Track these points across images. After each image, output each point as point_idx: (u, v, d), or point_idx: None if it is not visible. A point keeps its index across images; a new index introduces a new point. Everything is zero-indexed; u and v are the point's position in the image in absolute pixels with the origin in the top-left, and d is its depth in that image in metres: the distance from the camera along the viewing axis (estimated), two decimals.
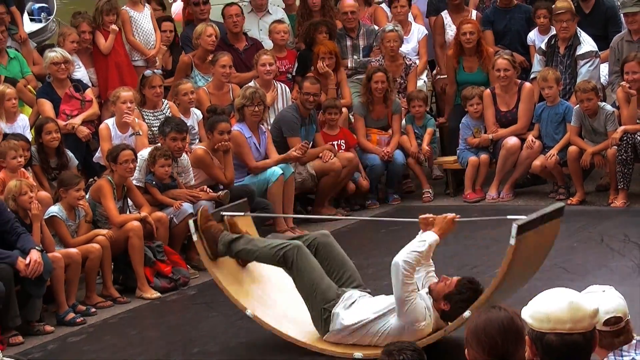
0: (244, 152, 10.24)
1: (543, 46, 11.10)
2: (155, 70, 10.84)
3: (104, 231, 9.03)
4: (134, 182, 9.34)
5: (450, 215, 7.21)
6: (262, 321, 7.46)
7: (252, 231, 7.93)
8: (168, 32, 11.84)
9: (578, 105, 10.32)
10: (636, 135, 9.94)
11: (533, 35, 11.35)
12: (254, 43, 11.84)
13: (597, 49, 10.89)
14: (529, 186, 11.01)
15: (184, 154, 9.80)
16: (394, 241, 9.89)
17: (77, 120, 10.27)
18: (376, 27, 11.83)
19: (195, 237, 7.61)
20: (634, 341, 4.55)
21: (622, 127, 10.05)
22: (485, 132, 10.88)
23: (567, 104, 10.57)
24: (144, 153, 9.52)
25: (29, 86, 10.60)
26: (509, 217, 7.10)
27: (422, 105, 11.27)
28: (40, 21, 18.96)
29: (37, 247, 8.35)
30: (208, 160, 9.95)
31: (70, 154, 9.79)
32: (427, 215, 7.45)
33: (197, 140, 10.46)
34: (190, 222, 7.66)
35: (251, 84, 10.83)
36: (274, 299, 7.84)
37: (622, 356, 4.50)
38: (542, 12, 11.16)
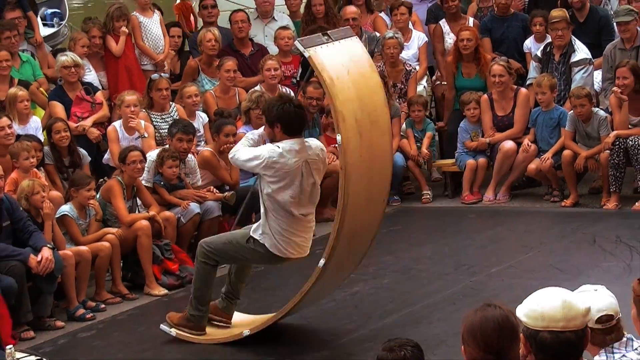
0: None
1: (539, 53, 11.11)
2: (162, 74, 10.89)
3: (114, 230, 9.07)
4: (143, 182, 9.37)
5: None
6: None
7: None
8: (176, 38, 11.87)
9: (572, 111, 10.34)
10: (628, 140, 9.97)
11: (529, 43, 11.35)
12: (259, 48, 11.84)
13: (590, 57, 10.90)
14: (525, 188, 11.01)
15: (191, 156, 9.84)
16: (394, 241, 10.00)
17: (88, 122, 10.29)
18: (377, 34, 11.84)
19: (174, 333, 7.80)
20: (624, 339, 4.58)
21: (615, 132, 10.07)
22: (482, 136, 10.89)
23: (561, 109, 10.59)
24: (152, 154, 9.54)
25: (41, 89, 10.60)
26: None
27: (422, 110, 11.29)
28: (52, 26, 18.95)
29: (48, 245, 8.37)
30: (214, 162, 9.98)
31: (83, 151, 9.80)
32: None
33: (203, 143, 10.50)
34: (163, 326, 7.91)
35: (257, 88, 10.83)
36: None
37: (613, 353, 4.54)
38: (538, 21, 11.16)
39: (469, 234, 10.09)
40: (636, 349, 4.57)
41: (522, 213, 10.47)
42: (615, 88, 10.15)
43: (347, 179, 7.34)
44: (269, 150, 7.37)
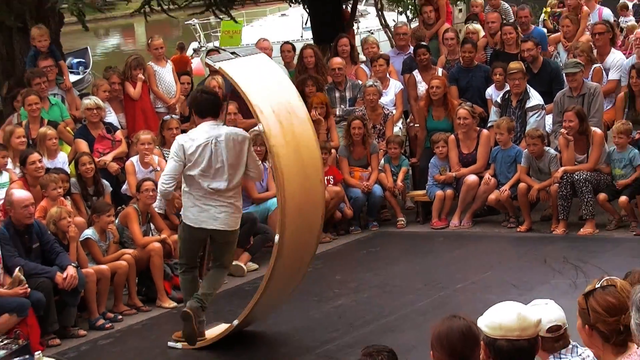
0: (249, 185, 10.16)
1: (499, 100, 11.11)
2: (173, 116, 10.90)
3: (130, 251, 9.05)
4: (156, 209, 9.36)
5: None
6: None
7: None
8: (186, 84, 11.85)
9: (527, 149, 10.36)
10: (574, 175, 9.97)
11: (490, 91, 11.34)
12: None
13: (543, 103, 10.91)
14: (485, 216, 10.98)
15: None
16: (372, 260, 10.01)
17: (109, 158, 10.28)
18: (360, 82, 11.87)
19: (180, 346, 7.82)
20: (570, 346, 4.61)
21: (563, 168, 10.08)
22: (449, 171, 10.88)
23: (517, 148, 10.59)
24: None
25: (67, 128, 10.56)
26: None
27: (398, 148, 11.30)
28: (78, 74, 19.04)
29: (72, 264, 8.36)
30: None
31: (105, 182, 9.77)
32: None
33: None
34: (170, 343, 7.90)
35: (256, 128, 10.83)
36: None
37: (560, 358, 4.56)
38: (498, 71, 11.15)
39: (438, 254, 10.09)
40: (580, 354, 4.59)
41: (483, 237, 10.48)
42: (562, 130, 10.18)
43: (277, 158, 7.34)
44: (172, 150, 7.61)
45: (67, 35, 14.00)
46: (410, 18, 17.09)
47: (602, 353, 4.22)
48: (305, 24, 16.77)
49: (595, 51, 11.24)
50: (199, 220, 7.57)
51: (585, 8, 13.00)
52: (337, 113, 11.67)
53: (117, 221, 9.26)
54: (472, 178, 10.72)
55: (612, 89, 10.98)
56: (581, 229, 10.06)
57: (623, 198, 9.90)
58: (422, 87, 11.68)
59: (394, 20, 16.44)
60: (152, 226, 9.40)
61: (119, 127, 10.91)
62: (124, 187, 10.06)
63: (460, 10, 16.18)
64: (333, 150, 11.12)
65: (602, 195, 9.99)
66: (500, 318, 3.79)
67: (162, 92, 11.60)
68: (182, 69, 13.28)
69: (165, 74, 11.76)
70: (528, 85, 10.96)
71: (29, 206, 8.34)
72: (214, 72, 11.92)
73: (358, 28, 15.67)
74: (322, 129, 11.08)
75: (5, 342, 6.30)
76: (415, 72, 11.89)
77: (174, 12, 14.03)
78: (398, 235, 10.88)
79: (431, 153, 11.12)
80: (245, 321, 7.79)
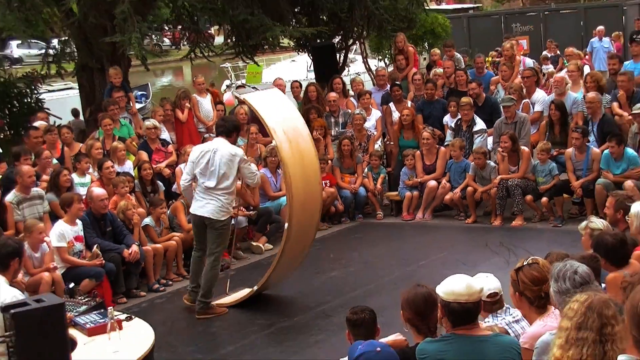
0: (266, 186, 10.23)
1: (453, 125, 11.10)
2: (211, 134, 10.85)
3: (178, 234, 9.07)
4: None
5: None
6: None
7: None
8: (220, 111, 11.86)
9: (473, 162, 10.37)
10: (508, 182, 9.98)
11: (447, 118, 11.30)
12: None
13: (486, 128, 10.91)
14: (442, 211, 10.97)
15: None
16: (358, 244, 10.00)
17: (163, 165, 10.27)
18: (350, 111, 11.85)
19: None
20: (504, 307, 4.64)
21: (500, 176, 10.09)
22: (416, 177, 10.89)
23: (466, 161, 10.59)
24: None
25: (133, 143, 10.57)
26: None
27: (377, 160, 11.29)
28: (141, 102, 19.00)
29: (136, 243, 8.42)
30: (243, 192, 10.00)
31: (160, 183, 9.78)
32: None
33: None
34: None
35: (271, 144, 10.83)
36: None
37: (496, 317, 4.58)
38: (452, 104, 11.12)
39: (406, 239, 10.09)
40: (512, 314, 4.61)
41: (440, 227, 10.50)
42: (499, 148, 10.20)
43: (286, 167, 7.42)
44: (189, 158, 7.68)
45: (133, 74, 13.98)
46: (387, 64, 17.08)
47: (527, 313, 4.25)
48: (309, 67, 16.74)
49: (524, 90, 11.23)
50: (194, 208, 7.60)
51: (517, 57, 13.01)
52: (332, 134, 11.63)
53: (168, 212, 9.27)
54: (432, 183, 10.72)
55: (537, 118, 10.97)
56: (513, 222, 10.05)
57: (544, 199, 9.92)
58: (396, 115, 11.66)
59: (375, 65, 16.40)
60: None
61: (171, 142, 10.91)
62: (174, 186, 10.07)
63: (425, 59, 16.15)
64: (329, 161, 11.13)
65: (528, 197, 9.99)
66: (452, 286, 3.81)
67: (203, 116, 11.59)
68: (213, 100, 13.33)
69: (205, 103, 11.75)
70: (475, 115, 10.95)
71: (104, 200, 8.39)
72: (241, 102, 11.95)
73: (348, 71, 15.63)
74: (321, 145, 11.08)
75: (86, 299, 6.30)
76: (391, 104, 11.87)
77: (212, 57, 14.02)
78: (377, 225, 10.89)
79: (402, 164, 11.10)
80: (263, 287, 7.81)
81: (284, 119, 7.60)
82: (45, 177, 9.03)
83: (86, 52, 12.01)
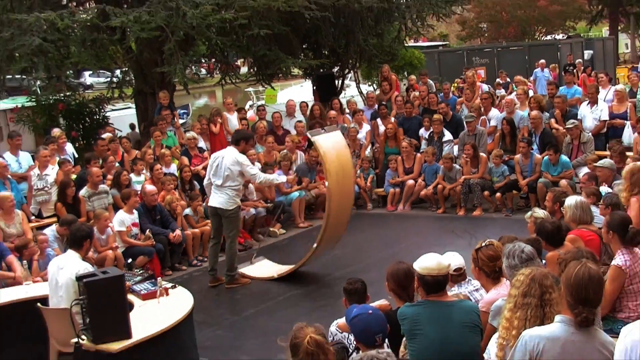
0: (280, 184, 10.21)
1: (426, 136, 11.11)
2: None
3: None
4: None
5: None
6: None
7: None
8: (245, 126, 11.82)
9: (443, 165, 10.37)
10: (470, 180, 9.98)
11: (422, 131, 11.31)
12: (286, 131, 11.79)
13: (452, 138, 10.91)
14: (418, 204, 10.94)
15: (250, 185, 9.70)
16: (352, 231, 9.61)
17: (199, 168, 10.19)
18: (346, 125, 11.81)
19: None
20: (467, 279, 4.67)
21: (463, 177, 10.10)
22: (397, 177, 10.89)
23: (437, 165, 10.56)
24: None
25: (177, 150, 10.57)
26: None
27: (367, 164, 11.26)
28: (183, 119, 18.94)
29: (178, 229, 8.42)
30: (262, 188, 9.96)
31: (196, 182, 9.72)
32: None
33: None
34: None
35: (284, 151, 10.89)
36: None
37: (461, 286, 4.59)
38: (426, 120, 11.15)
39: (390, 226, 10.05)
40: (472, 284, 4.61)
41: (417, 217, 10.48)
42: (463, 155, 10.19)
43: (331, 197, 7.35)
44: (209, 163, 7.63)
45: (177, 97, 13.96)
46: (375, 88, 17.05)
47: (485, 284, 4.26)
48: (314, 90, 16.71)
49: (482, 109, 11.22)
50: (210, 201, 7.66)
51: (477, 84, 13.06)
52: None
53: (204, 204, 9.22)
54: (410, 182, 10.69)
55: (492, 131, 10.94)
56: (474, 212, 10.03)
57: (498, 194, 9.90)
58: (382, 129, 11.65)
59: (365, 90, 16.39)
60: None
61: (206, 149, 10.88)
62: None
63: (404, 84, 16.13)
64: None
65: (486, 192, 9.98)
66: (426, 263, 3.79)
67: (231, 129, 11.49)
68: (239, 117, 13.31)
69: (232, 119, 11.72)
70: (444, 128, 10.95)
71: (154, 195, 8.43)
72: (261, 118, 11.85)
73: (344, 94, 15.59)
74: None
75: (140, 272, 6.31)
76: (378, 120, 11.86)
77: (238, 83, 14.06)
78: (367, 215, 10.87)
79: (387, 167, 11.08)
80: (305, 263, 7.73)
81: (340, 162, 7.52)
82: (109, 176, 9.14)
83: (141, 79, 12.07)
